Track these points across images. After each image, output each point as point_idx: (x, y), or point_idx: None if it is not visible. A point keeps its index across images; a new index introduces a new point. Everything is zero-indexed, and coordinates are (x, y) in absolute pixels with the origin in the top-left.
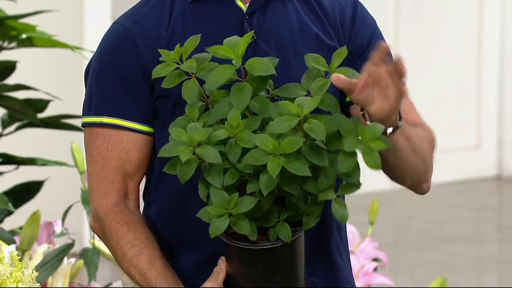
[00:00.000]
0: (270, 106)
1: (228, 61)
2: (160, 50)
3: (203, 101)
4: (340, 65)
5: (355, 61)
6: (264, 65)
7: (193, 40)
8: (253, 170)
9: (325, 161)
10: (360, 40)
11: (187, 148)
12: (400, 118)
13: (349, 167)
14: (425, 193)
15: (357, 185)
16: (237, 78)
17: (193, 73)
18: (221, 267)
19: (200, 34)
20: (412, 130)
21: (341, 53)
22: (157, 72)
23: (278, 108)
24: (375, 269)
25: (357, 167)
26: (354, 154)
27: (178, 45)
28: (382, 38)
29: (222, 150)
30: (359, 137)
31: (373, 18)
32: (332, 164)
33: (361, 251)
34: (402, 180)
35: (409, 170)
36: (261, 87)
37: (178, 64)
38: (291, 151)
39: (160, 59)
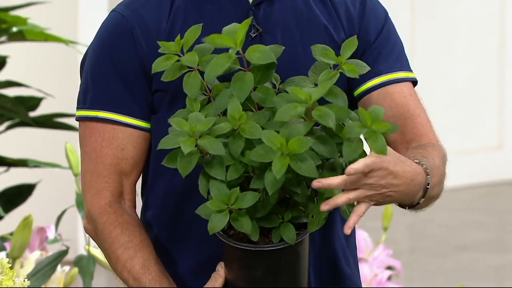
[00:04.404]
0: (274, 97)
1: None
2: (159, 42)
3: (205, 95)
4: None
5: (360, 56)
6: (264, 53)
7: (194, 31)
8: (259, 165)
9: (334, 152)
10: (369, 35)
11: (189, 139)
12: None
13: (354, 154)
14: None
15: None
16: (239, 67)
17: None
18: (219, 273)
19: (201, 24)
20: (430, 160)
21: (351, 43)
22: (157, 65)
23: (284, 96)
24: (389, 278)
25: (362, 156)
26: (360, 141)
27: (178, 36)
28: (392, 32)
29: (225, 142)
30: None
31: (384, 10)
32: (340, 157)
33: (375, 259)
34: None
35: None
36: (265, 77)
37: (179, 56)
38: (298, 152)
39: (160, 50)
